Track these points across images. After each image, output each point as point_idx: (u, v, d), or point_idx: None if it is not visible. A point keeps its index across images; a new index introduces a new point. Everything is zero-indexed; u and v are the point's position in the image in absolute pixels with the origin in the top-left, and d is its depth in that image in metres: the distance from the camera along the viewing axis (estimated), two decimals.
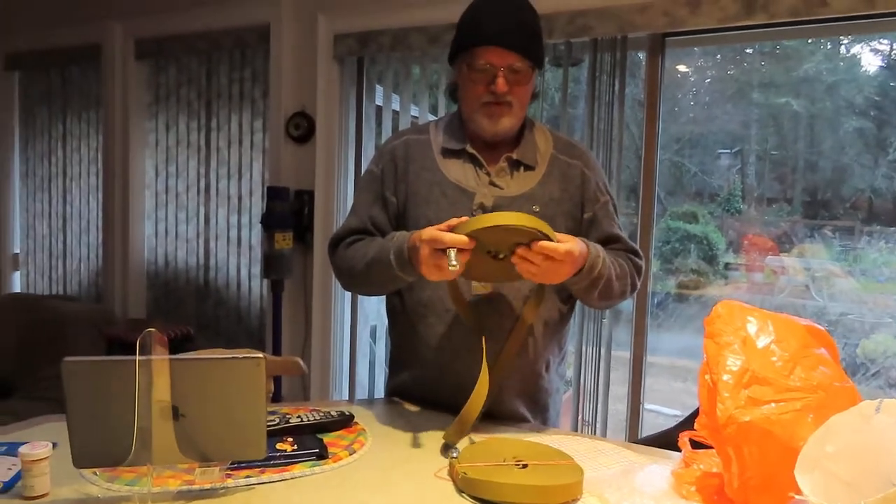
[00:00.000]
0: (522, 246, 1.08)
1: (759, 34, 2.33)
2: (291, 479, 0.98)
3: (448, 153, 1.31)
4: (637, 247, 1.35)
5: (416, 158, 1.31)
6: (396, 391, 1.39)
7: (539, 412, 1.34)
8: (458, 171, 1.29)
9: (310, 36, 2.74)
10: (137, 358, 0.83)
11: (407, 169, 1.31)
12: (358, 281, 1.31)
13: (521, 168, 1.29)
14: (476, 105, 1.25)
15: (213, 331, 3.21)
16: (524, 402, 1.31)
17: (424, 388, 1.32)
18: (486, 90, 1.23)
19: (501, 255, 1.12)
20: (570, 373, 2.37)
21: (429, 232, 1.09)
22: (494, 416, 1.26)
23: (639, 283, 1.32)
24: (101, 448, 0.87)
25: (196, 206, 3.29)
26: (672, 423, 1.64)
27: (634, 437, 2.35)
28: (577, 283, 1.19)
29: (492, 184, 1.28)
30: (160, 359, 0.85)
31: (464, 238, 1.06)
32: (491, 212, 1.25)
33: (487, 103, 1.24)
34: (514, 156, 1.29)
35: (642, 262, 1.33)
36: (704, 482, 0.90)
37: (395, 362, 1.42)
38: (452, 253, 1.05)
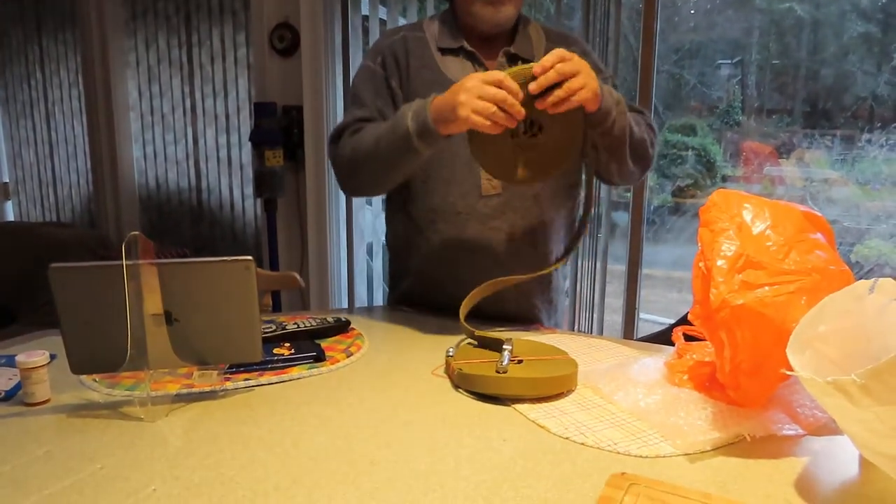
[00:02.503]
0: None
1: None
2: (289, 380, 0.99)
3: (445, 51, 1.26)
4: (645, 111, 1.29)
5: (415, 54, 1.26)
6: (401, 300, 1.39)
7: (552, 310, 1.36)
8: (456, 69, 1.25)
9: None
10: (125, 262, 0.82)
11: (408, 65, 1.26)
12: (362, 165, 1.19)
13: (519, 62, 1.25)
14: None
15: (210, 252, 3.21)
16: (538, 298, 1.32)
17: (435, 293, 1.31)
18: None
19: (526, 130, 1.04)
20: (567, 283, 2.40)
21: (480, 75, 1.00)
22: (509, 316, 1.27)
23: (655, 140, 1.26)
24: (96, 354, 0.87)
25: (183, 127, 3.22)
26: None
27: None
28: (606, 121, 1.10)
29: None
30: (148, 263, 0.84)
31: (515, 86, 0.98)
32: None
33: None
34: (512, 49, 1.25)
35: (654, 133, 1.27)
36: (696, 370, 0.91)
37: (399, 272, 1.40)
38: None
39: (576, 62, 1.00)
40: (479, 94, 0.98)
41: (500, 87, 0.99)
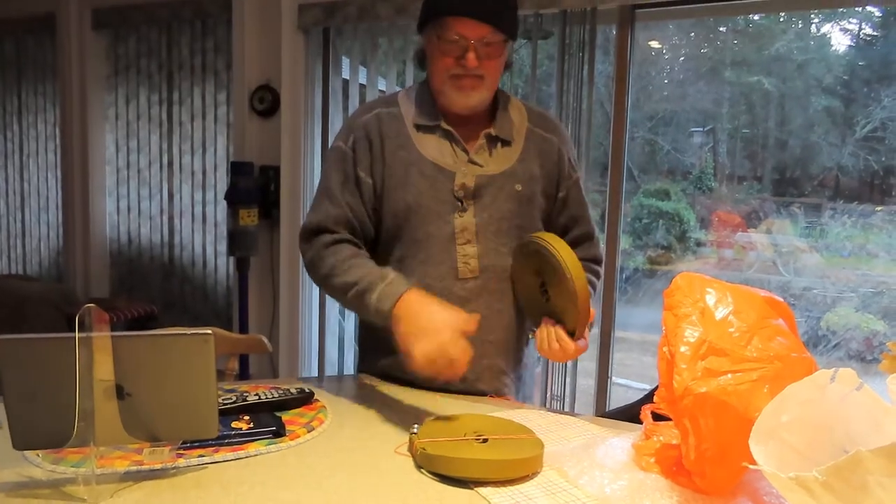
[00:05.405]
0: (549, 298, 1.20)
1: (727, 7, 2.32)
2: (246, 457, 0.95)
3: (421, 128, 1.23)
4: (596, 234, 1.37)
5: (389, 135, 1.23)
6: (370, 372, 1.34)
7: (521, 386, 1.34)
8: (434, 149, 1.22)
9: (274, 5, 2.66)
10: (77, 335, 0.79)
11: (382, 146, 1.23)
12: (328, 291, 1.23)
13: (499, 144, 1.25)
14: (444, 77, 1.19)
15: (180, 309, 3.15)
16: (508, 376, 1.30)
17: (407, 370, 1.28)
18: (456, 63, 1.16)
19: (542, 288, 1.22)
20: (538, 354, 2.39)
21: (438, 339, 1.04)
22: (475, 391, 1.25)
23: (601, 272, 1.39)
24: (42, 429, 0.83)
25: (159, 182, 3.21)
26: (640, 397, 1.65)
27: (602, 410, 2.37)
28: None
29: (471, 161, 1.23)
30: (101, 336, 0.81)
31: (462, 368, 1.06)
32: (473, 192, 1.22)
33: (457, 76, 1.18)
34: (493, 131, 1.24)
35: (601, 269, 1.38)
36: (664, 454, 0.89)
37: (370, 346, 1.35)
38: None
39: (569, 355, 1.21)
40: (440, 354, 1.03)
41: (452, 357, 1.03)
